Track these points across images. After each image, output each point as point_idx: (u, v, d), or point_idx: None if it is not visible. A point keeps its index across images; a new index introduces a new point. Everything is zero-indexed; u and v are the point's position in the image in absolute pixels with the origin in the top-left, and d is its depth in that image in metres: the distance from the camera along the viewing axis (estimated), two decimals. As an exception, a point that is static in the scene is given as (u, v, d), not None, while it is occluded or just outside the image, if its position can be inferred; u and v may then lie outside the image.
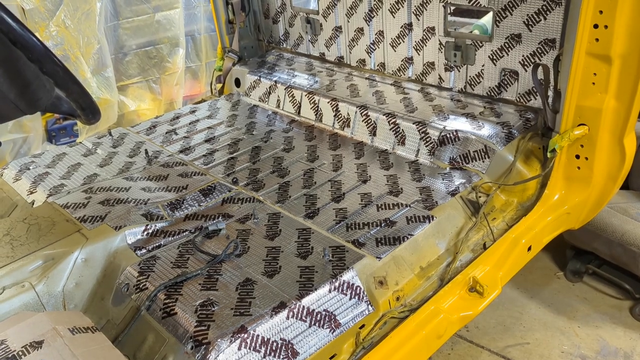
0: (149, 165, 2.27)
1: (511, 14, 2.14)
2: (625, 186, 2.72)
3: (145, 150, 2.39)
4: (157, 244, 1.74)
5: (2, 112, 0.98)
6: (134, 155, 2.38)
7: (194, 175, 2.15)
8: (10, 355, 1.24)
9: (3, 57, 0.92)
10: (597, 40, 1.75)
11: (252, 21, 3.30)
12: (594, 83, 1.82)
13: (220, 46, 3.30)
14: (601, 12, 1.71)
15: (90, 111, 1.08)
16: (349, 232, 1.79)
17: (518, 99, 2.28)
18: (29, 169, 2.28)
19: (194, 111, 2.91)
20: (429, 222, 1.82)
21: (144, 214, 1.84)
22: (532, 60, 2.16)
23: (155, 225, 1.80)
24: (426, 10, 2.42)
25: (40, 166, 2.30)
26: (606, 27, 1.72)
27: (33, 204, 2.02)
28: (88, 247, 1.65)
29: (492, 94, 2.36)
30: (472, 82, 2.41)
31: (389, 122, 2.36)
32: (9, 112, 0.99)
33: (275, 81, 2.87)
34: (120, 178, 2.13)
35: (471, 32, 2.98)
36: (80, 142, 2.53)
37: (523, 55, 2.18)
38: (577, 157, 1.96)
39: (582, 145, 1.93)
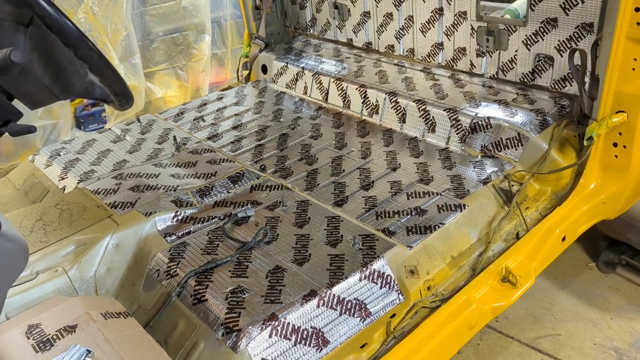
0: (178, 151, 2.28)
1: (547, -3, 2.07)
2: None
3: (174, 137, 2.40)
4: (186, 231, 1.74)
5: (36, 97, 0.98)
6: (162, 142, 2.39)
7: (222, 162, 2.15)
8: (45, 339, 1.25)
9: (38, 42, 0.91)
10: (638, 24, 1.68)
11: (279, 7, 3.27)
12: (634, 69, 1.75)
13: (247, 32, 3.28)
14: (645, -7, 1.64)
15: (123, 96, 1.07)
16: (379, 220, 1.77)
17: (553, 85, 2.21)
18: (59, 155, 2.31)
19: (221, 98, 2.91)
20: (461, 210, 1.79)
21: (174, 201, 1.84)
22: (569, 45, 2.09)
23: (185, 212, 1.80)
24: (458, -6, 2.36)
25: (70, 152, 2.33)
26: (650, 9, 1.65)
27: (64, 189, 2.04)
28: (119, 232, 1.67)
29: (526, 80, 2.30)
30: (505, 68, 2.35)
31: (419, 108, 2.32)
32: (43, 97, 0.99)
33: (303, 68, 2.84)
34: (149, 164, 2.14)
35: (502, 16, 2.91)
36: (109, 129, 2.55)
37: (559, 40, 2.12)
38: (615, 145, 1.90)
39: (620, 133, 1.87)
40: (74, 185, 2.02)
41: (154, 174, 2.04)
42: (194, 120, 2.64)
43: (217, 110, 2.74)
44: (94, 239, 1.64)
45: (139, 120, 2.60)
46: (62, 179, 2.12)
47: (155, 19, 3.86)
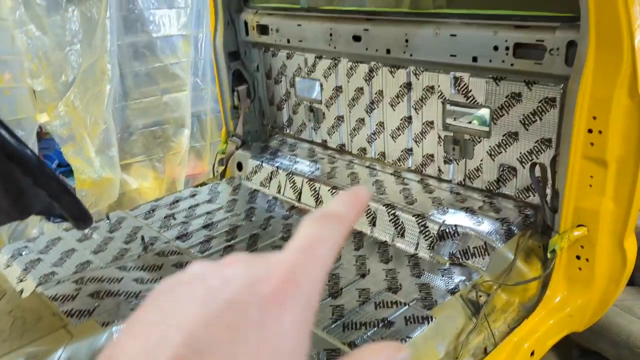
0: (145, 252, 2.24)
1: (508, 113, 2.18)
2: (631, 282, 2.66)
3: (142, 236, 2.37)
4: (145, 342, 1.68)
5: None
6: (130, 242, 2.36)
7: (189, 265, 2.12)
8: None
9: None
10: (592, 144, 1.77)
11: (257, 107, 3.38)
12: (591, 185, 1.82)
13: (224, 130, 3.37)
14: (595, 117, 1.74)
15: (82, 220, 1.07)
16: (346, 332, 1.73)
17: (517, 195, 2.28)
18: (21, 254, 2.26)
19: (194, 195, 2.92)
20: (428, 323, 1.77)
21: (134, 309, 1.78)
22: (530, 158, 2.18)
23: (145, 321, 1.74)
24: (425, 105, 2.48)
25: (33, 252, 2.28)
26: (600, 132, 1.74)
27: (22, 292, 1.98)
28: (72, 345, 1.60)
29: (491, 188, 2.36)
30: (471, 176, 2.43)
31: (388, 213, 2.35)
32: (1, 218, 0.99)
33: (277, 167, 2.90)
34: (113, 267, 2.10)
35: (470, 122, 3.03)
36: (78, 226, 2.52)
37: (520, 153, 2.21)
38: (578, 257, 1.93)
39: (582, 247, 1.90)
40: (32, 289, 1.96)
41: (116, 278, 2.00)
42: (164, 218, 2.63)
43: (189, 208, 2.74)
44: (45, 352, 1.56)
45: (108, 218, 2.58)
46: (21, 280, 2.06)
47: (136, 112, 3.95)
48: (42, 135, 4.21)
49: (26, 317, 1.71)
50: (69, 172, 3.85)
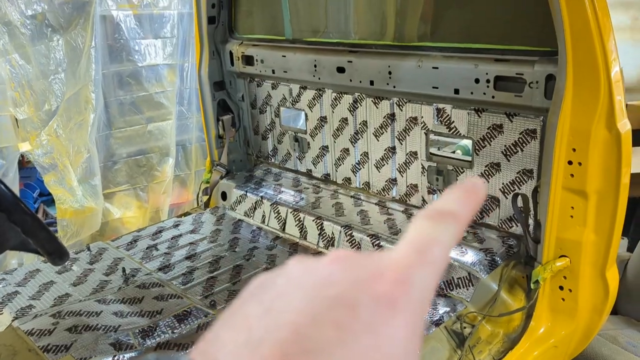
0: (125, 285, 2.20)
1: (490, 144, 2.21)
2: (614, 311, 2.66)
3: (123, 268, 2.33)
4: (123, 378, 1.63)
5: None
6: (110, 273, 2.32)
7: (170, 298, 2.08)
8: None
9: None
10: (572, 175, 1.80)
11: (242, 136, 3.39)
12: (572, 216, 1.84)
13: (209, 159, 3.36)
14: (574, 149, 1.77)
15: (57, 255, 1.05)
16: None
17: (500, 225, 2.29)
18: (-1, 286, 2.21)
19: (177, 225, 2.89)
20: (412, 356, 1.75)
21: (113, 343, 1.75)
22: (512, 189, 2.20)
23: (124, 356, 1.70)
24: (409, 135, 2.50)
25: (10, 284, 2.22)
26: (580, 164, 1.77)
27: (-2, 327, 1.92)
28: (48, 382, 1.55)
29: (475, 218, 2.37)
30: (455, 206, 2.43)
31: (372, 243, 2.34)
32: (-25, 253, 0.97)
33: (262, 196, 2.89)
34: (92, 300, 2.06)
35: (454, 151, 3.06)
36: (57, 258, 2.47)
37: (503, 183, 2.23)
38: (561, 288, 1.93)
39: (565, 277, 1.91)
40: (8, 323, 1.91)
41: (95, 311, 1.95)
42: (146, 248, 2.59)
43: (172, 238, 2.71)
44: (19, 389, 1.51)
45: (88, 249, 2.54)
46: (-3, 314, 2.00)
47: (120, 141, 3.93)
48: (24, 164, 4.16)
49: (1, 352, 1.66)
50: (51, 202, 3.80)
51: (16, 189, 3.51)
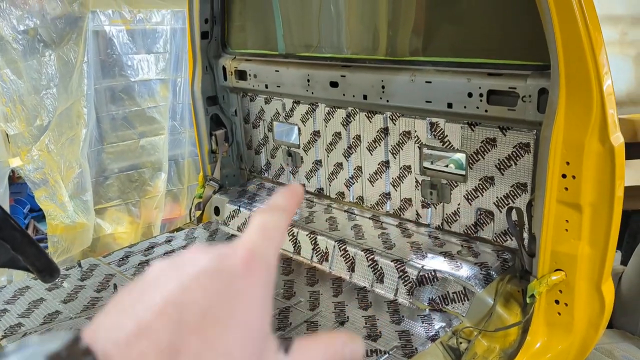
0: (117, 301, 2.17)
1: (483, 158, 2.21)
2: (610, 325, 2.65)
3: (114, 285, 2.30)
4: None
5: None
6: (101, 290, 2.29)
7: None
8: None
9: None
10: (566, 189, 1.80)
11: (234, 151, 3.38)
12: (567, 230, 1.84)
13: (202, 174, 3.34)
14: (568, 163, 1.77)
15: (47, 272, 1.03)
16: (324, 384, 1.67)
17: (495, 239, 2.28)
18: (-13, 304, 2.16)
19: (169, 240, 2.86)
20: (408, 372, 1.73)
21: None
22: (506, 202, 2.20)
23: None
24: (402, 149, 2.50)
25: (-1, 302, 2.19)
26: (574, 177, 1.77)
27: (-15, 346, 1.88)
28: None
29: (469, 232, 2.37)
30: (449, 220, 2.43)
31: (367, 258, 2.33)
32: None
33: (255, 211, 2.87)
34: (83, 318, 2.02)
35: (447, 165, 3.06)
36: (47, 275, 2.43)
37: (497, 197, 2.23)
38: (557, 302, 1.92)
39: (560, 291, 1.90)
40: (-4, 342, 1.87)
41: (86, 329, 1.92)
42: (138, 264, 2.56)
43: (164, 254, 2.68)
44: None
45: (79, 265, 2.51)
46: (-15, 333, 1.96)
47: (112, 156, 3.91)
48: (14, 179, 4.12)
49: (-12, 373, 1.62)
50: (41, 217, 3.76)
51: (6, 205, 3.47)
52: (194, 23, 3.08)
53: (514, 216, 2.08)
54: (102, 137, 3.87)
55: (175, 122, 4.25)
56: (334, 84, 2.61)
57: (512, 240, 2.23)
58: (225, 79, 3.15)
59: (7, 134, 3.38)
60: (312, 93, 2.73)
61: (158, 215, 4.09)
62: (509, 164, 2.15)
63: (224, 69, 3.14)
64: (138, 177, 4.01)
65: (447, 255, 2.24)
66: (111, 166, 3.91)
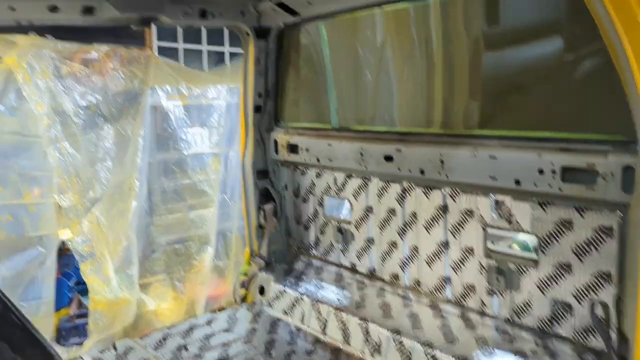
0: (148, 392, 1.99)
1: (558, 242, 1.96)
2: None
3: (148, 372, 2.13)
4: None
5: None
6: (134, 378, 2.12)
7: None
8: None
9: None
10: (666, 283, 1.52)
11: (283, 226, 3.24)
12: (669, 332, 1.54)
13: (248, 250, 3.21)
14: (667, 252, 1.51)
15: (49, 378, 0.88)
16: None
17: (575, 337, 1.97)
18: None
19: (210, 322, 2.69)
20: None
21: None
22: (587, 294, 1.91)
23: None
24: (463, 229, 2.28)
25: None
26: (676, 269, 1.50)
27: None
28: None
29: (544, 327, 2.07)
30: (520, 311, 2.15)
31: (426, 353, 2.06)
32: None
33: (301, 293, 2.67)
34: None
35: (510, 246, 2.79)
36: (80, 358, 2.29)
37: (576, 287, 1.94)
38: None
39: (665, 407, 1.57)
40: None
41: None
42: (176, 349, 2.39)
43: (204, 338, 2.50)
44: None
45: (114, 348, 2.36)
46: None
47: (160, 229, 3.87)
48: (64, 251, 4.12)
49: None
50: (87, 291, 3.69)
51: (52, 278, 3.43)
52: (247, 97, 3.07)
53: (599, 311, 1.79)
54: (151, 210, 3.85)
55: (226, 195, 4.20)
56: (388, 158, 2.47)
57: (596, 339, 1.92)
58: (277, 152, 3.08)
59: (59, 206, 3.40)
60: (366, 167, 2.59)
61: (202, 291, 3.95)
62: (588, 250, 1.89)
63: (275, 142, 3.09)
64: (185, 251, 3.92)
65: (520, 353, 1.95)
66: (159, 239, 3.86)
